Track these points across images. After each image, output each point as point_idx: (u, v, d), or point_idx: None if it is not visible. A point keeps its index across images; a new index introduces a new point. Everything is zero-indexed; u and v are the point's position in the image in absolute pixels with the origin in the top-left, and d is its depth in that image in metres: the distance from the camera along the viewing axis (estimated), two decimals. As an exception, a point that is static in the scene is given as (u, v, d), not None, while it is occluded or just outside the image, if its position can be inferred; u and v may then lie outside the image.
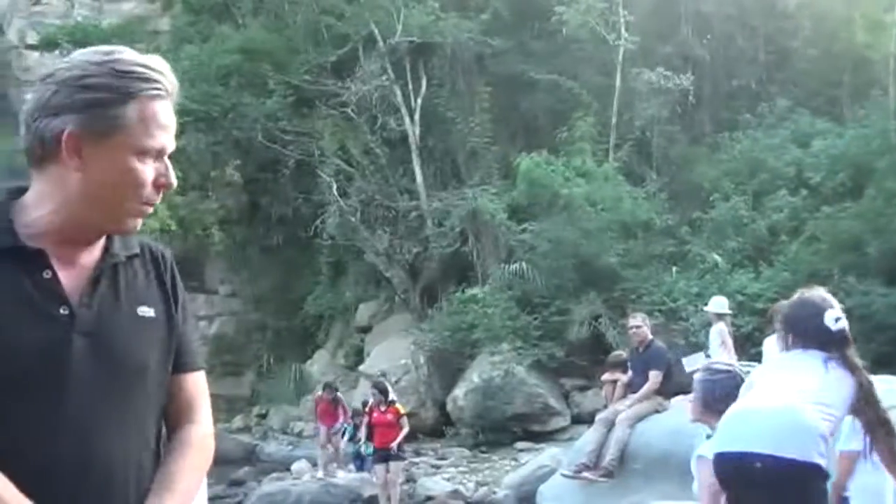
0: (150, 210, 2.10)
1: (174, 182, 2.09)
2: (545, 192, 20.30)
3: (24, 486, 1.95)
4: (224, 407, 23.38)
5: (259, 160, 25.31)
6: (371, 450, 15.41)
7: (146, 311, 2.19)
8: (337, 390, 18.06)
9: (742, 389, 4.86)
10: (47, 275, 2.08)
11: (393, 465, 14.69)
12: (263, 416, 23.91)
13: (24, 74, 31.33)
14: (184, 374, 2.29)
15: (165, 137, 2.08)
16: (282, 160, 24.43)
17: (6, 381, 2.00)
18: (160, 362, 2.21)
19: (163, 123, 2.07)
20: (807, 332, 4.61)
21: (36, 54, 30.24)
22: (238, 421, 23.96)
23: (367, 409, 15.61)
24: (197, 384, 2.33)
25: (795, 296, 4.87)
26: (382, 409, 14.92)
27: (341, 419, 17.41)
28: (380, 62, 23.15)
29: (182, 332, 2.28)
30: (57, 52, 27.41)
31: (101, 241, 2.16)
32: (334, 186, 23.32)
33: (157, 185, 2.09)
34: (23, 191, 2.12)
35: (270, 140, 24.12)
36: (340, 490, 16.51)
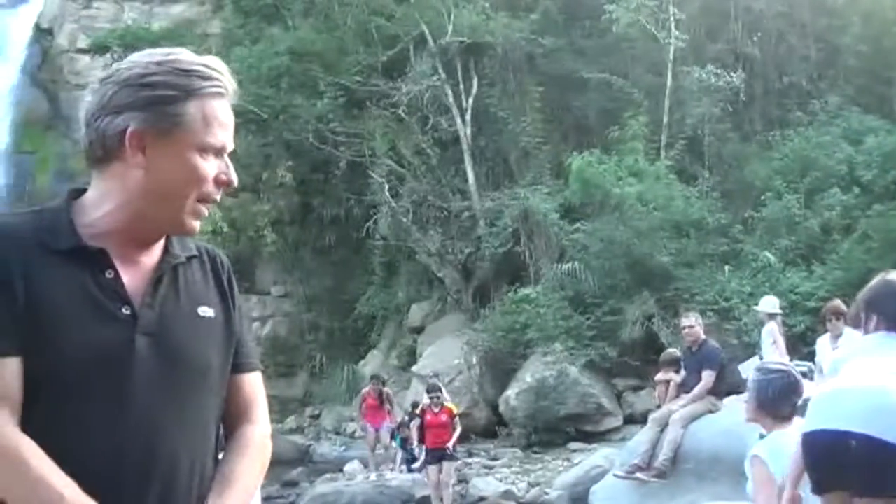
0: (208, 210, 2.19)
1: (235, 179, 2.17)
2: (597, 191, 21.02)
3: (87, 486, 2.01)
4: (277, 408, 24.09)
5: (311, 161, 26.15)
6: (423, 451, 15.86)
7: (206, 312, 2.27)
8: (384, 384, 18.81)
9: (825, 375, 4.94)
10: (109, 274, 2.14)
11: (446, 465, 15.11)
12: (316, 417, 24.81)
13: (75, 78, 32.28)
14: (242, 375, 2.36)
15: (225, 135, 2.17)
16: (333, 161, 25.26)
17: (70, 380, 2.07)
18: (220, 362, 2.29)
19: (223, 121, 2.17)
20: (893, 313, 4.58)
21: (87, 58, 31.40)
22: (291, 422, 24.70)
23: (419, 411, 16.13)
24: (254, 385, 2.40)
25: (878, 278, 4.84)
26: (436, 410, 15.28)
27: (388, 418, 18.08)
28: (430, 62, 24.02)
29: (239, 334, 2.36)
30: (108, 55, 28.26)
31: (161, 243, 2.24)
32: (386, 187, 24.09)
33: (219, 182, 2.17)
34: (82, 192, 2.21)
35: (322, 141, 24.97)
36: (393, 491, 16.90)
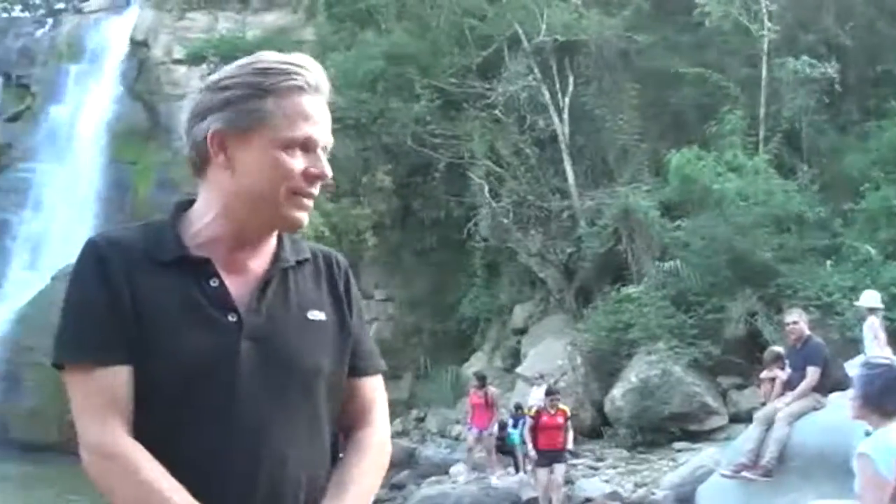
0: (310, 203, 2.27)
1: (327, 172, 2.26)
2: (697, 187, 22.05)
3: (195, 491, 2.14)
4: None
5: (409, 164, 27.61)
6: (533, 452, 16.52)
7: (316, 315, 2.35)
8: (487, 382, 19.71)
9: None
10: (214, 283, 2.26)
11: (558, 467, 16.01)
12: (422, 420, 26.31)
13: (172, 89, 33.84)
14: (360, 378, 2.45)
15: (311, 128, 2.26)
16: (432, 163, 26.64)
17: (177, 388, 2.19)
18: (334, 365, 2.36)
19: (306, 115, 2.25)
20: None
21: (183, 69, 33.28)
22: (397, 424, 25.72)
23: (533, 412, 16.89)
24: (374, 388, 2.49)
25: None
26: (552, 411, 16.14)
27: (493, 420, 18.89)
28: (525, 62, 25.22)
29: (357, 337, 2.44)
30: (204, 65, 29.33)
31: (271, 247, 2.35)
32: (486, 188, 25.31)
33: (309, 176, 2.25)
34: (191, 202, 2.36)
35: (420, 144, 26.34)
36: (499, 493, 17.81)
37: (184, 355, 2.20)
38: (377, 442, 2.45)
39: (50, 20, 46.01)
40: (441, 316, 27.46)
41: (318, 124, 2.27)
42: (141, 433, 2.17)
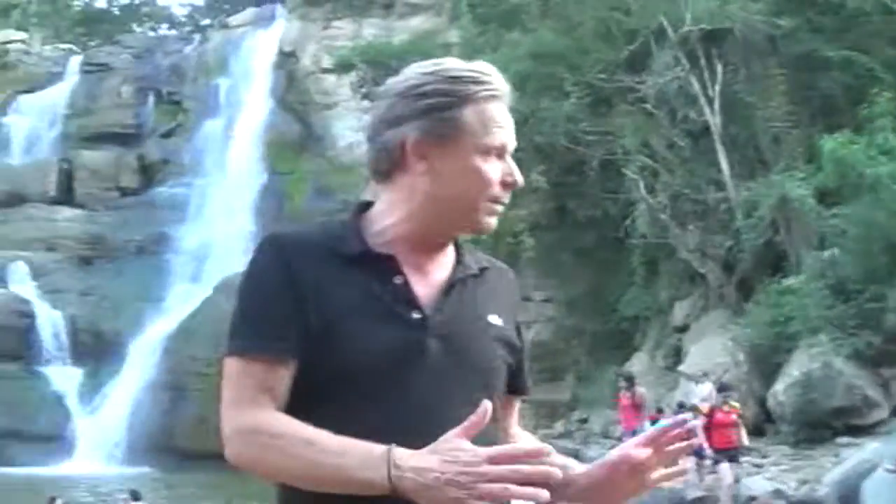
0: (500, 209, 2.42)
1: (520, 180, 2.43)
2: (851, 172, 22.70)
3: None
4: (545, 412, 26.64)
5: (563, 163, 29.01)
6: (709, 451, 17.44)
7: (496, 320, 2.46)
8: (633, 382, 21.07)
9: None
10: (399, 280, 2.37)
11: (733, 465, 17.07)
12: (584, 421, 27.44)
13: (323, 98, 35.83)
14: (510, 396, 2.58)
15: (505, 135, 2.42)
16: (586, 161, 28.12)
17: (360, 381, 2.29)
18: (503, 375, 2.49)
19: (500, 122, 2.40)
20: None
21: (332, 77, 35.26)
22: (559, 426, 26.97)
23: (707, 410, 17.78)
24: (516, 409, 2.66)
25: None
26: (726, 409, 17.20)
27: (642, 420, 20.14)
28: (672, 53, 26.48)
29: (520, 355, 2.56)
30: (353, 73, 31.00)
31: (451, 253, 2.49)
32: (641, 184, 26.58)
33: (504, 184, 2.41)
34: (369, 205, 2.48)
35: (572, 142, 27.88)
36: (664, 493, 18.18)
37: (371, 348, 2.31)
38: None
39: (197, 37, 49.59)
40: (601, 316, 28.86)
41: (508, 130, 2.44)
42: (318, 426, 2.25)
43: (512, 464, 2.13)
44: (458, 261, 2.52)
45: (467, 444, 2.15)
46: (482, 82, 2.43)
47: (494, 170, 2.42)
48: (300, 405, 2.34)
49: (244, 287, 2.43)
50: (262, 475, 2.33)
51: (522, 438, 2.65)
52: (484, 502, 2.11)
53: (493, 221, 2.46)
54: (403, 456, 2.16)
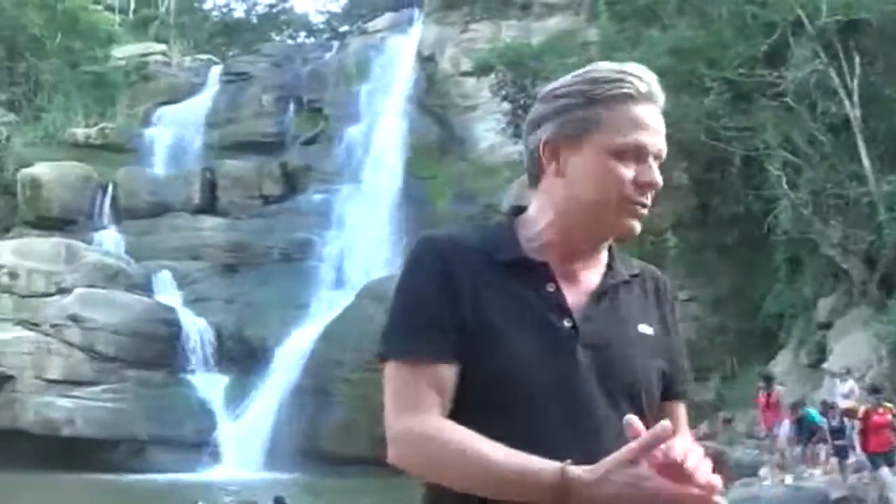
0: (643, 212, 2.52)
1: (658, 180, 2.51)
2: None
3: None
4: (690, 413, 27.37)
5: (704, 160, 30.41)
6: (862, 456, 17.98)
7: (646, 329, 2.59)
8: (772, 382, 21.82)
9: None
10: (551, 288, 2.52)
11: (893, 469, 17.30)
12: (729, 421, 28.14)
13: (463, 101, 37.35)
14: (674, 402, 2.67)
15: (642, 136, 2.49)
16: (727, 158, 29.38)
17: (511, 389, 2.44)
18: (657, 382, 2.60)
19: (637, 122, 2.50)
20: None
21: (472, 80, 36.85)
22: (704, 427, 27.90)
23: (861, 413, 18.08)
24: (681, 412, 2.71)
25: None
26: (881, 411, 17.52)
27: (781, 418, 20.96)
28: (810, 46, 27.40)
29: (678, 359, 2.68)
30: (492, 75, 32.46)
31: (602, 260, 2.62)
32: (783, 180, 27.53)
33: (640, 185, 2.49)
34: (523, 209, 2.65)
35: (714, 139, 29.01)
36: (808, 493, 19.11)
37: (523, 356, 2.43)
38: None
39: (335, 43, 51.80)
40: (745, 314, 29.83)
41: (650, 132, 2.49)
42: (472, 429, 2.37)
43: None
44: (609, 267, 2.62)
45: (645, 471, 2.19)
46: (618, 81, 2.51)
47: (627, 170, 2.49)
48: (456, 408, 2.46)
49: (402, 289, 2.55)
50: (426, 478, 2.49)
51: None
52: None
53: (633, 225, 2.53)
54: (578, 482, 2.23)
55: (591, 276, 2.61)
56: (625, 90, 2.52)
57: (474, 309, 2.50)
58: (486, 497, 2.37)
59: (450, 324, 2.49)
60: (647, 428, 2.31)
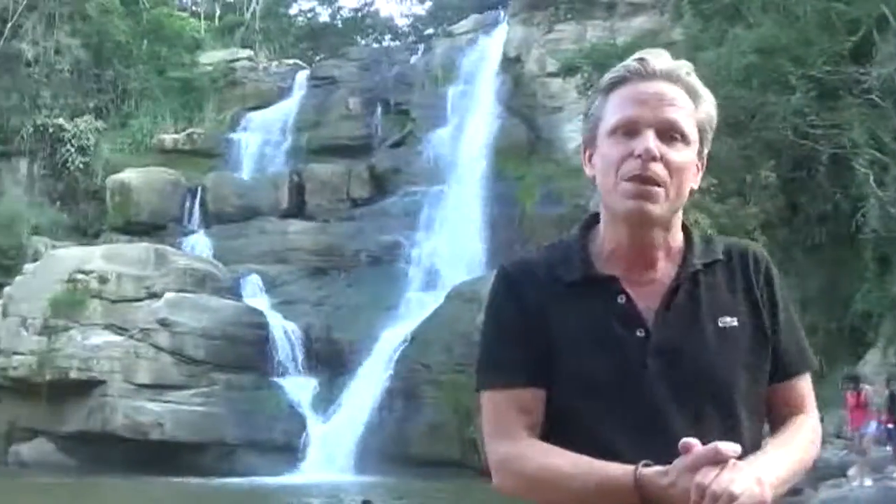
0: (648, 189, 2.64)
1: (649, 149, 2.63)
2: None
3: None
4: None
5: (792, 159, 30.99)
6: None
7: (728, 322, 2.71)
8: (859, 382, 22.66)
9: None
10: (621, 300, 2.69)
11: None
12: (819, 421, 28.17)
13: (550, 102, 38.43)
14: (789, 380, 2.83)
15: (632, 110, 2.68)
16: (814, 157, 29.96)
17: (586, 410, 2.66)
18: (749, 374, 2.73)
19: (628, 99, 2.70)
20: None
21: (558, 81, 38.15)
22: None
23: None
24: (802, 388, 2.86)
25: None
26: None
27: (870, 417, 21.72)
28: (894, 42, 28.10)
29: (783, 337, 2.80)
30: (578, 76, 33.42)
31: (677, 251, 2.78)
32: (871, 178, 28.08)
33: (630, 157, 2.66)
34: (598, 217, 2.82)
35: (800, 137, 29.67)
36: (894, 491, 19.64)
37: (589, 377, 2.65)
38: (809, 421, 2.84)
39: (421, 46, 53.00)
40: (834, 313, 30.21)
41: (642, 105, 2.66)
42: (560, 447, 2.65)
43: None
44: (684, 258, 2.75)
45: (701, 476, 2.38)
46: (620, 69, 2.75)
47: (618, 147, 2.66)
48: (548, 428, 2.70)
49: (484, 324, 2.84)
50: (526, 497, 2.69)
51: (805, 416, 2.84)
52: None
53: (636, 205, 2.65)
54: (650, 484, 2.46)
55: (666, 272, 2.76)
56: (620, 74, 2.76)
57: (548, 333, 2.71)
58: None
59: (527, 352, 2.72)
60: (748, 427, 2.68)
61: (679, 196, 2.72)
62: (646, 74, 2.71)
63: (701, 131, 2.78)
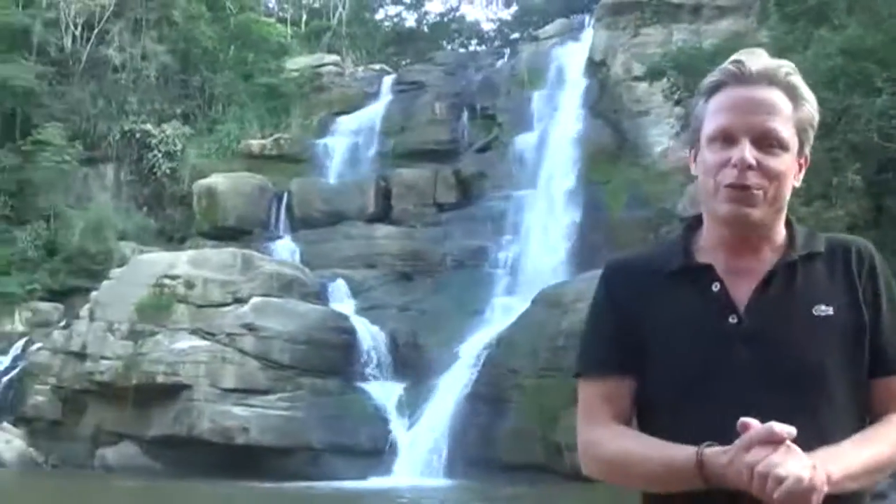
0: (749, 195, 2.83)
1: (748, 157, 2.81)
2: None
3: (699, 501, 2.74)
4: None
5: (877, 161, 32.08)
6: None
7: (823, 310, 2.86)
8: None
9: None
10: (716, 287, 2.89)
11: None
12: None
13: (635, 106, 39.61)
14: (888, 378, 2.94)
15: (727, 118, 2.86)
16: (900, 159, 30.88)
17: (676, 397, 2.86)
18: (843, 363, 2.85)
19: (723, 106, 2.87)
20: None
21: (643, 85, 39.29)
22: None
23: None
24: None
25: None
26: None
27: None
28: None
29: (880, 332, 2.92)
30: (664, 80, 34.48)
31: (779, 244, 2.97)
32: None
33: (728, 166, 2.84)
34: (700, 218, 3.04)
35: (885, 139, 30.63)
36: None
37: (680, 364, 2.86)
38: None
39: (507, 50, 54.24)
40: None
41: (737, 112, 2.83)
42: (654, 434, 2.87)
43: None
44: (784, 249, 2.94)
45: (755, 457, 2.57)
46: (717, 72, 2.94)
47: (716, 156, 2.85)
48: (641, 417, 2.95)
49: (586, 317, 3.10)
50: (604, 480, 2.95)
51: (883, 425, 2.90)
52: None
53: (734, 210, 2.85)
54: (711, 462, 2.66)
55: (764, 263, 2.94)
56: (718, 78, 2.92)
57: (642, 324, 2.94)
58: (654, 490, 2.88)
59: (619, 343, 2.96)
60: (845, 414, 2.82)
61: (778, 198, 2.93)
62: (743, 78, 2.90)
63: (801, 132, 2.98)
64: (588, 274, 31.32)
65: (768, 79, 2.90)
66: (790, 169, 2.95)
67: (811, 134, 3.04)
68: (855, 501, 2.85)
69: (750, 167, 2.83)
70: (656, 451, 2.79)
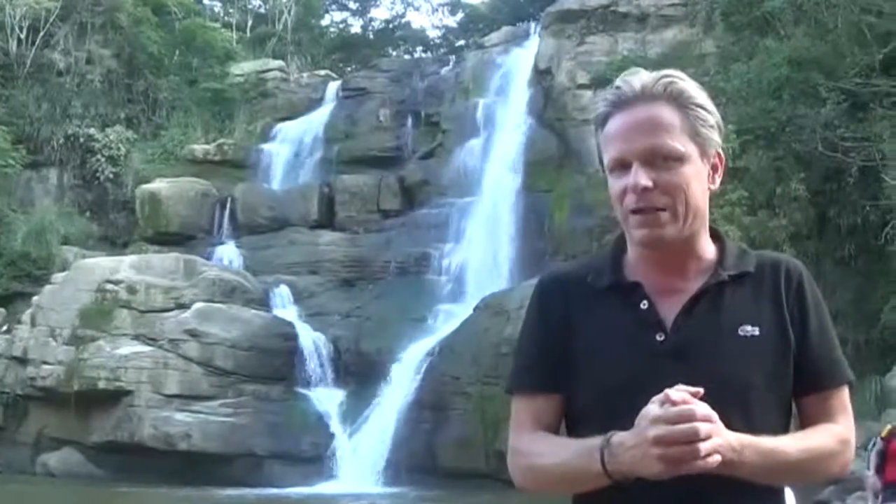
0: (654, 217, 2.86)
1: (640, 181, 2.84)
2: None
3: None
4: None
5: (822, 171, 31.62)
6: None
7: (749, 330, 2.87)
8: None
9: None
10: (644, 305, 2.91)
11: None
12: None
13: (580, 114, 39.40)
14: (818, 394, 2.95)
15: (617, 146, 2.91)
16: (844, 169, 30.67)
17: (602, 411, 2.86)
18: (768, 382, 2.87)
19: (612, 136, 2.93)
20: None
21: (588, 93, 39.01)
22: None
23: (884, 434, 17.29)
24: (837, 400, 2.97)
25: None
26: None
27: None
28: (926, 55, 28.59)
29: (813, 348, 2.93)
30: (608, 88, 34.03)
31: (707, 264, 2.98)
32: None
33: (628, 194, 2.89)
34: None
35: (830, 149, 30.32)
36: None
37: (608, 379, 2.86)
38: (833, 428, 2.93)
39: (452, 58, 53.68)
40: (863, 326, 30.75)
41: (625, 137, 2.85)
42: None
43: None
44: (714, 269, 2.92)
45: (651, 407, 2.61)
46: (603, 100, 2.96)
47: (617, 183, 2.88)
48: (571, 430, 2.92)
49: (519, 332, 3.14)
50: (531, 489, 2.95)
51: (832, 424, 2.92)
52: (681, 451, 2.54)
53: (644, 233, 2.87)
54: (616, 441, 2.69)
55: (693, 283, 2.94)
56: (602, 109, 2.96)
57: (571, 340, 2.94)
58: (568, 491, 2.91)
59: (548, 360, 2.97)
60: (769, 431, 2.79)
61: (690, 209, 2.90)
62: (624, 102, 2.89)
63: (695, 136, 2.93)
64: (531, 281, 29.83)
65: (649, 96, 2.87)
66: (695, 177, 2.91)
67: (712, 133, 2.97)
68: (768, 496, 2.89)
69: (646, 189, 2.82)
70: (571, 447, 2.81)
